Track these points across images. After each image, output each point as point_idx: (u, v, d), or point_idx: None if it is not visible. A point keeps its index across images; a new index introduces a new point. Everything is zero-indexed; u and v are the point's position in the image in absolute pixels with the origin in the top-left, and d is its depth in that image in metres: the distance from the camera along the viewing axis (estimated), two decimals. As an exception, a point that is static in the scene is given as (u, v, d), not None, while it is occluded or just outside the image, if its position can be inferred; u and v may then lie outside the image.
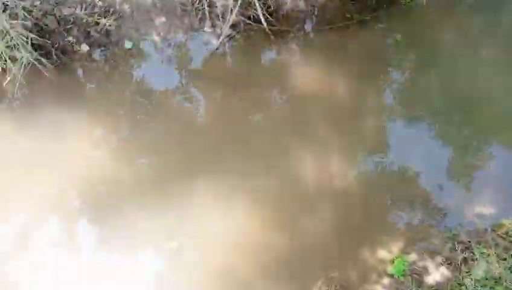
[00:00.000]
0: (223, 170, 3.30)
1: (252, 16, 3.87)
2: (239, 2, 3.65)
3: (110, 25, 3.67)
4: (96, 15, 3.65)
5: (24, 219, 3.20)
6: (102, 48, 3.69)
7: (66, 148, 3.35)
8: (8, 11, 3.37)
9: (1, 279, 3.03)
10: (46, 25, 3.55)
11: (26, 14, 3.43)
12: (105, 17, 3.66)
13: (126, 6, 3.71)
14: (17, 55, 3.29)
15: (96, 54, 3.67)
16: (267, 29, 3.85)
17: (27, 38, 3.33)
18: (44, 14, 3.55)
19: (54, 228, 3.20)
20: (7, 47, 3.28)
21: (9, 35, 3.31)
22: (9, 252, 3.10)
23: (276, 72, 3.84)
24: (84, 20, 3.63)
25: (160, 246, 3.08)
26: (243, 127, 3.52)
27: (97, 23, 3.65)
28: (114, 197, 3.23)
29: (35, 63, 3.34)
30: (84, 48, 3.65)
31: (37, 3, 3.53)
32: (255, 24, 3.86)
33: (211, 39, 3.87)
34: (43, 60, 3.40)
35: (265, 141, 3.48)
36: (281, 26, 3.93)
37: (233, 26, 3.85)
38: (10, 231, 3.18)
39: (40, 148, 3.36)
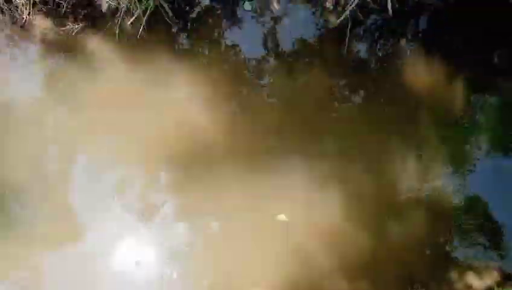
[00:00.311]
0: (317, 153, 3.18)
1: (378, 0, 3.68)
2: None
3: (234, -17, 3.64)
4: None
5: (108, 157, 3.30)
6: (222, 5, 3.65)
7: (168, 96, 3.38)
8: (142, -49, 3.43)
9: (69, 214, 3.16)
10: (173, -28, 3.59)
11: (158, -44, 3.48)
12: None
13: (254, -33, 3.65)
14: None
15: (215, 10, 3.63)
16: (390, 15, 3.63)
17: (155, -19, 3.38)
18: (174, -40, 3.57)
19: (135, 171, 3.28)
20: (136, -14, 3.35)
21: (140, -25, 3.39)
22: (85, 185, 3.21)
23: (389, 63, 3.59)
24: (210, -27, 3.62)
25: (240, 215, 3.06)
26: (344, 114, 3.37)
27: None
28: (204, 156, 3.24)
29: (159, 7, 3.38)
30: (205, 0, 3.65)
31: None
32: (378, 7, 3.65)
33: (330, 16, 3.70)
34: (166, 5, 3.42)
35: (364, 134, 3.31)
36: (407, 19, 3.70)
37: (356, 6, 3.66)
38: (90, 166, 3.30)
39: (143, 90, 3.42)
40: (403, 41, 3.70)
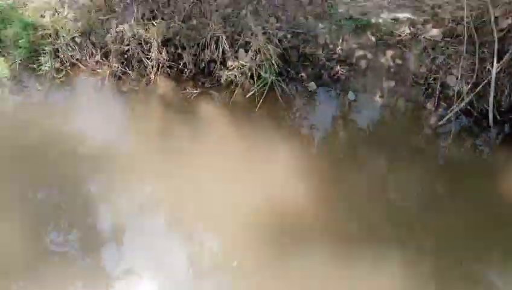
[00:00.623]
0: (414, 249, 3.10)
1: (479, 108, 3.78)
2: (472, 94, 3.62)
3: (342, 74, 3.90)
4: (334, 61, 3.93)
5: (194, 218, 3.40)
6: (328, 91, 3.93)
7: (267, 167, 3.56)
8: (266, 35, 3.86)
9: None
10: (289, 56, 3.95)
11: (278, 42, 3.89)
12: (340, 65, 3.93)
13: (363, 62, 3.91)
14: (262, 74, 3.74)
15: (321, 94, 3.92)
16: (491, 127, 3.70)
17: (274, 62, 3.74)
18: (291, 47, 3.94)
19: (219, 232, 3.34)
20: (257, 65, 3.74)
21: (261, 55, 3.77)
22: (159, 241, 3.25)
23: (488, 170, 3.56)
24: (321, 62, 3.93)
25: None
26: (441, 214, 3.29)
27: (331, 68, 3.93)
28: (293, 231, 3.29)
29: (274, 85, 3.73)
30: (312, 86, 3.92)
31: (289, 36, 3.96)
32: (479, 115, 3.74)
33: (430, 117, 3.84)
34: (282, 85, 3.77)
35: (461, 237, 3.21)
36: (508, 130, 3.75)
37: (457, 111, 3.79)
38: (172, 222, 3.38)
39: (244, 158, 3.63)
40: (501, 151, 3.73)
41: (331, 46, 4.03)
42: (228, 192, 3.51)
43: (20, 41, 4.12)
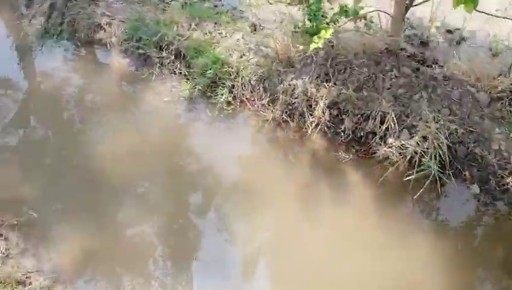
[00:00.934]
0: None
1: None
2: None
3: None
4: (506, 171, 3.58)
5: None
6: (491, 199, 3.57)
7: (400, 264, 3.34)
8: (437, 124, 3.75)
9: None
10: (456, 151, 3.73)
11: (447, 134, 3.71)
12: (510, 176, 3.59)
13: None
14: (425, 162, 3.59)
15: (483, 201, 3.57)
16: None
17: (442, 153, 3.59)
18: (460, 142, 3.73)
19: None
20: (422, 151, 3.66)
21: (429, 142, 3.66)
22: None
23: None
24: (491, 168, 3.62)
25: None
26: None
27: (501, 177, 3.57)
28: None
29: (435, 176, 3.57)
30: (476, 189, 3.63)
31: (460, 131, 3.72)
32: None
33: None
34: (444, 178, 3.59)
35: None
36: None
37: None
38: None
39: (371, 236, 3.46)
40: None
41: (505, 154, 3.70)
42: (351, 268, 3.35)
43: (207, 71, 4.73)
